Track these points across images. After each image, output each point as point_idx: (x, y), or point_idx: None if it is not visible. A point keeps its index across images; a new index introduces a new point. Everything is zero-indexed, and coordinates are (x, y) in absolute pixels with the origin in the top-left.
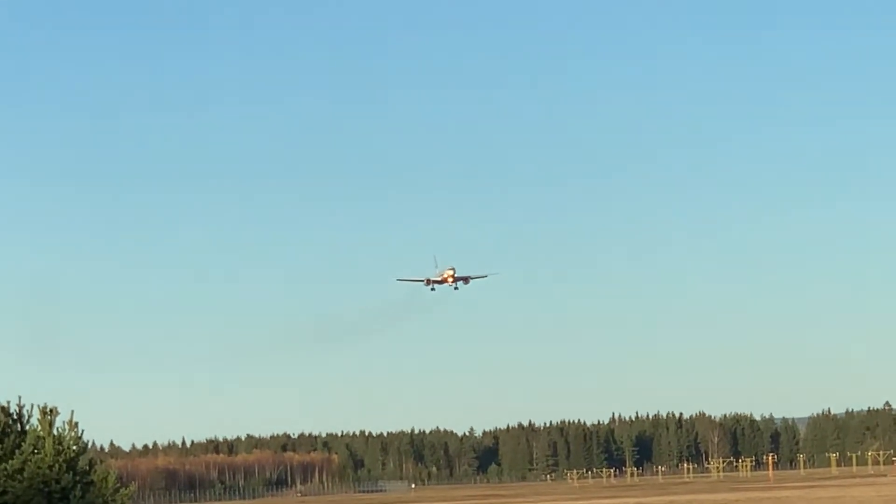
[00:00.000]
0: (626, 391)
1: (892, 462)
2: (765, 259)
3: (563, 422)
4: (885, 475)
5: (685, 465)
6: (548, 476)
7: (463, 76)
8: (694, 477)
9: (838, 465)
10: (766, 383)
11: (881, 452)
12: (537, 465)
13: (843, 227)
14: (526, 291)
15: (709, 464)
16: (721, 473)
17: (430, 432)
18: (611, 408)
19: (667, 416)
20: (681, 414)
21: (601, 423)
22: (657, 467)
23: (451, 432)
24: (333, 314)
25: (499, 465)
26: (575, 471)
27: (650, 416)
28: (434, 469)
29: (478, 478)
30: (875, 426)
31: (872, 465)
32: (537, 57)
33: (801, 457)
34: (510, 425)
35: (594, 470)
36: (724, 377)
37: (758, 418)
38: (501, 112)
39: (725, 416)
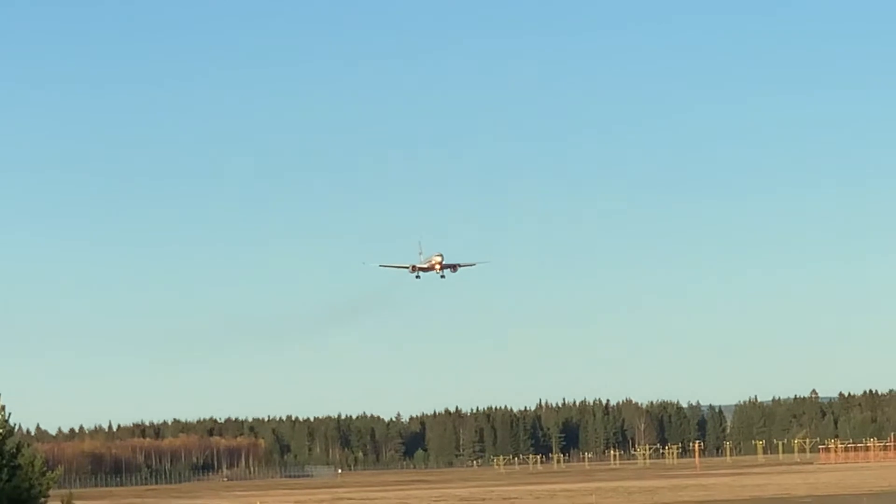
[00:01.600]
0: (554, 378)
1: (819, 450)
2: (693, 248)
3: (489, 408)
4: (812, 463)
5: (612, 451)
6: (474, 462)
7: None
8: (620, 464)
9: (765, 452)
10: (694, 371)
11: (807, 440)
12: (464, 451)
13: (772, 215)
14: (454, 279)
15: (635, 451)
16: (648, 460)
17: (357, 417)
18: (538, 394)
19: (593, 402)
20: (608, 401)
21: (528, 409)
22: (584, 454)
23: (378, 418)
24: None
25: (425, 450)
26: (501, 457)
27: (577, 403)
28: (360, 454)
29: (404, 463)
30: (801, 414)
31: (799, 452)
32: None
33: (727, 444)
34: (437, 411)
35: (521, 456)
36: (652, 364)
37: (685, 405)
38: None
39: (652, 403)
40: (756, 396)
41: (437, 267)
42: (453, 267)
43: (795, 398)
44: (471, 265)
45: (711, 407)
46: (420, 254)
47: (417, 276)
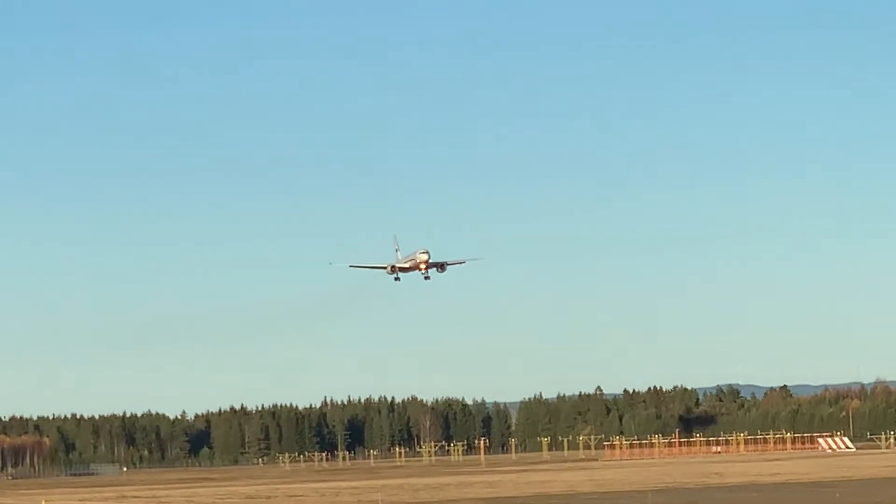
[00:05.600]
0: (339, 375)
1: (604, 446)
2: (487, 243)
3: (275, 405)
4: (597, 459)
5: (397, 449)
6: (260, 460)
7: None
8: (406, 461)
9: (550, 449)
10: (479, 368)
11: (592, 437)
12: (249, 448)
13: (563, 213)
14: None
15: (421, 448)
16: (433, 457)
17: (142, 415)
18: (322, 392)
19: (379, 400)
20: (393, 398)
21: (313, 406)
22: (369, 451)
23: (163, 415)
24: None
25: (211, 448)
26: (287, 454)
27: (362, 401)
28: (146, 452)
29: (190, 461)
30: (586, 411)
31: (584, 449)
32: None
33: (512, 441)
34: (222, 409)
35: (306, 454)
36: (436, 362)
37: (470, 403)
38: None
39: (437, 400)
40: (541, 393)
41: (422, 266)
42: (440, 266)
43: (580, 395)
44: (460, 263)
45: (497, 404)
46: (396, 251)
47: (396, 278)
